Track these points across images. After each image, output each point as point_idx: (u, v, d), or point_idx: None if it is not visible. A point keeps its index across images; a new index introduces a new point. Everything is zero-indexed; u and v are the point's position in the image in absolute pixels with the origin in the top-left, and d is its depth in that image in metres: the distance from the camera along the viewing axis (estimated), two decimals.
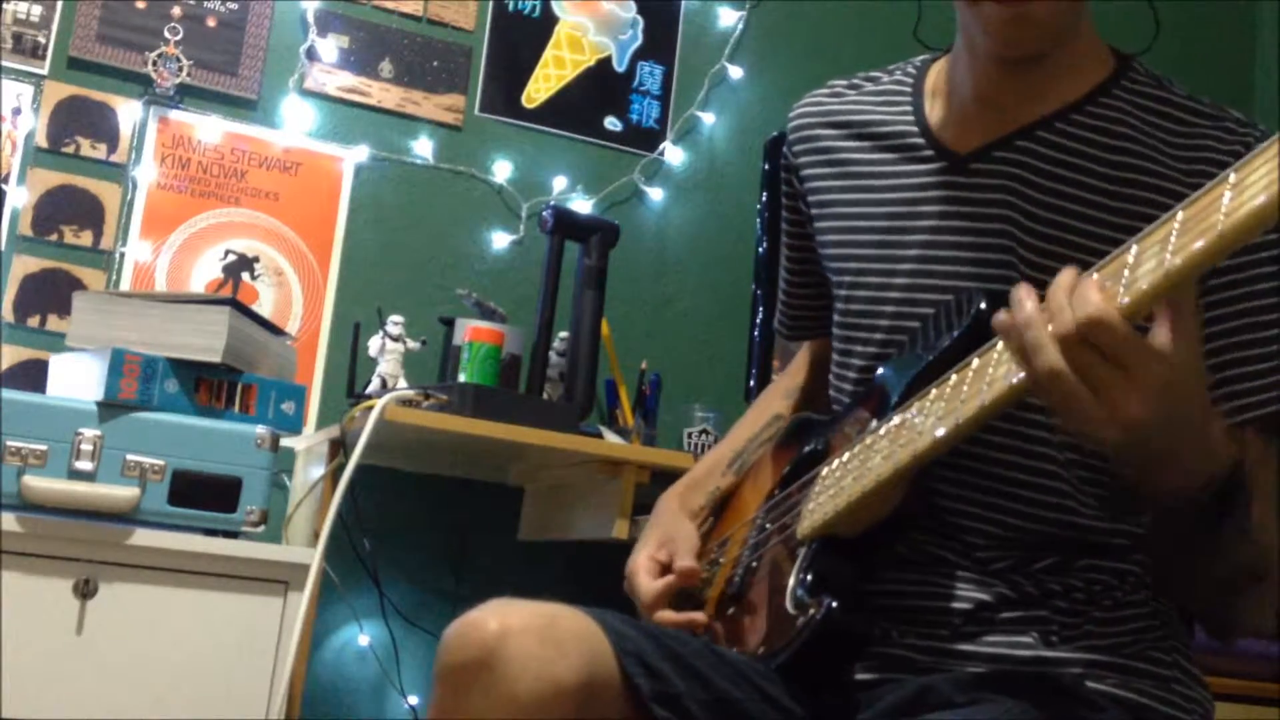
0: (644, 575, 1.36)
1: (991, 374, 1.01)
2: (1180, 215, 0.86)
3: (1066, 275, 0.94)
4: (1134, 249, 0.90)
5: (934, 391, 1.08)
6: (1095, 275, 0.92)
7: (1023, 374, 0.96)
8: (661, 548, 1.39)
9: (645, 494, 2.09)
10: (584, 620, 1.11)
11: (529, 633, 1.07)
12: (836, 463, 1.21)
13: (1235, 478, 1.02)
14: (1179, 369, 0.92)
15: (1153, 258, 0.88)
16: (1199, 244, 0.84)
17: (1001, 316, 0.96)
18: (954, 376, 1.07)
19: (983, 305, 1.14)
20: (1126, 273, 0.90)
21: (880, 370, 1.27)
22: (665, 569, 1.37)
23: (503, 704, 1.05)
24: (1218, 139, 1.19)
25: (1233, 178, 0.83)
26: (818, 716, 1.16)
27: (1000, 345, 1.01)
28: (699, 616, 1.32)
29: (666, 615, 1.33)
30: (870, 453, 1.14)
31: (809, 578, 1.17)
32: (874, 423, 1.19)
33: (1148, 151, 1.20)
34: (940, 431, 1.04)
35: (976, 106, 1.27)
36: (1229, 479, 1.02)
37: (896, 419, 1.13)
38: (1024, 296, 0.95)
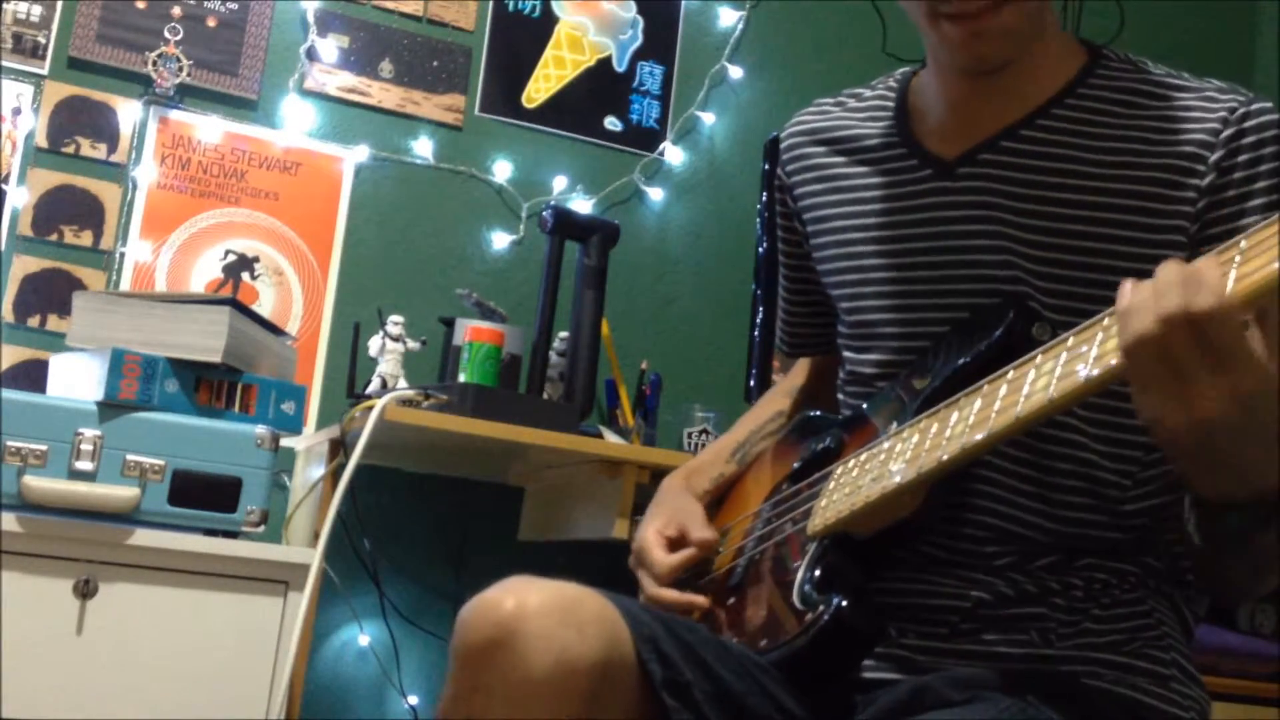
0: (657, 549, 1.36)
1: (1030, 387, 1.01)
2: None
3: (1175, 261, 0.91)
4: (1243, 242, 0.87)
5: (964, 400, 1.09)
6: (1204, 260, 0.90)
7: (1056, 389, 0.96)
8: (669, 524, 1.39)
9: (645, 494, 2.09)
10: (603, 603, 1.11)
11: (550, 614, 1.06)
12: (853, 462, 1.22)
13: None
14: (1265, 381, 0.89)
15: (1267, 252, 0.84)
16: None
17: (1124, 285, 0.93)
18: (986, 386, 1.07)
19: (1011, 315, 1.15)
20: (1237, 260, 0.87)
21: (899, 377, 1.27)
22: (674, 545, 1.37)
23: (519, 683, 1.04)
24: (1202, 109, 1.20)
25: None
26: (815, 715, 1.16)
27: (1039, 359, 1.01)
28: (700, 599, 1.32)
29: (669, 594, 1.33)
30: (893, 455, 1.15)
31: (817, 574, 1.17)
32: (894, 425, 1.19)
33: (1133, 134, 1.21)
34: (973, 439, 1.04)
35: (955, 115, 1.29)
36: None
37: (922, 424, 1.13)
38: (1135, 283, 0.93)
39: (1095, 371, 0.95)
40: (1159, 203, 1.18)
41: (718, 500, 1.48)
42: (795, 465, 1.34)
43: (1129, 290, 0.92)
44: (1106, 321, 0.96)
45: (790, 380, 1.57)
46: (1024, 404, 1.00)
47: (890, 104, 1.37)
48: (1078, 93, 1.25)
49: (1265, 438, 0.93)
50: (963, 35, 1.21)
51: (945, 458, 1.07)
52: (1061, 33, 1.29)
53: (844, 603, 1.12)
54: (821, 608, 1.13)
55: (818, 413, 1.41)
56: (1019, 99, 1.26)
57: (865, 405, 1.31)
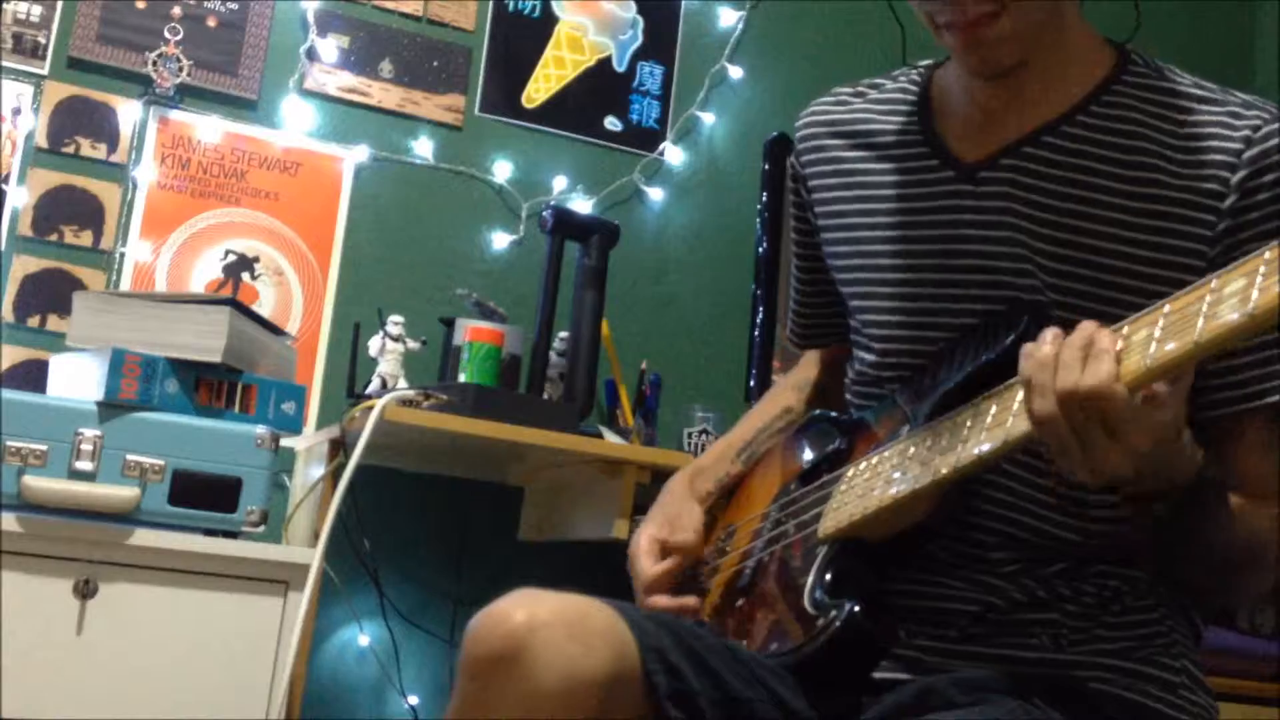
0: (645, 558, 1.36)
1: None
2: (1209, 296, 0.88)
3: (1084, 330, 0.96)
4: (1163, 316, 0.91)
5: (980, 405, 1.08)
6: (1112, 334, 0.95)
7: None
8: (664, 528, 1.39)
9: (645, 494, 2.09)
10: (610, 615, 1.11)
11: (557, 627, 1.06)
12: (864, 465, 1.21)
13: (1201, 481, 1.04)
14: (1167, 430, 0.96)
15: (1173, 337, 0.90)
16: (1215, 332, 0.86)
17: (1026, 348, 0.99)
18: (1004, 392, 1.06)
19: (1026, 320, 1.14)
20: (1141, 339, 0.92)
21: (911, 378, 1.26)
22: (667, 551, 1.37)
23: (528, 697, 1.05)
24: (1227, 124, 1.18)
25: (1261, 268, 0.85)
26: (824, 717, 1.16)
27: None
28: (692, 602, 1.32)
29: (661, 600, 1.33)
30: (905, 460, 1.14)
31: (829, 578, 1.17)
32: (905, 429, 1.18)
33: (1155, 147, 1.19)
34: (987, 447, 1.04)
35: (979, 116, 1.27)
36: (1197, 484, 1.04)
37: (937, 428, 1.12)
38: (1048, 339, 0.98)
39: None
40: (1179, 222, 1.17)
41: (724, 498, 1.47)
42: (804, 466, 1.33)
43: (1033, 360, 0.98)
44: (1126, 330, 0.96)
45: (799, 373, 1.55)
46: None
47: (913, 98, 1.34)
48: (1103, 100, 1.22)
49: (1168, 462, 1.00)
50: (963, 44, 1.20)
51: (960, 463, 1.06)
52: (1089, 33, 1.26)
53: (856, 608, 1.11)
54: (834, 613, 1.12)
55: (827, 412, 1.40)
56: (1044, 102, 1.23)
57: (876, 406, 1.29)
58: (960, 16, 1.17)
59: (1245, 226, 1.15)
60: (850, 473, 1.23)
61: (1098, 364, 0.93)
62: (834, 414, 1.38)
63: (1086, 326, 0.97)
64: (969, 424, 1.08)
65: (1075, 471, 0.98)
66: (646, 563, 1.36)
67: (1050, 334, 0.98)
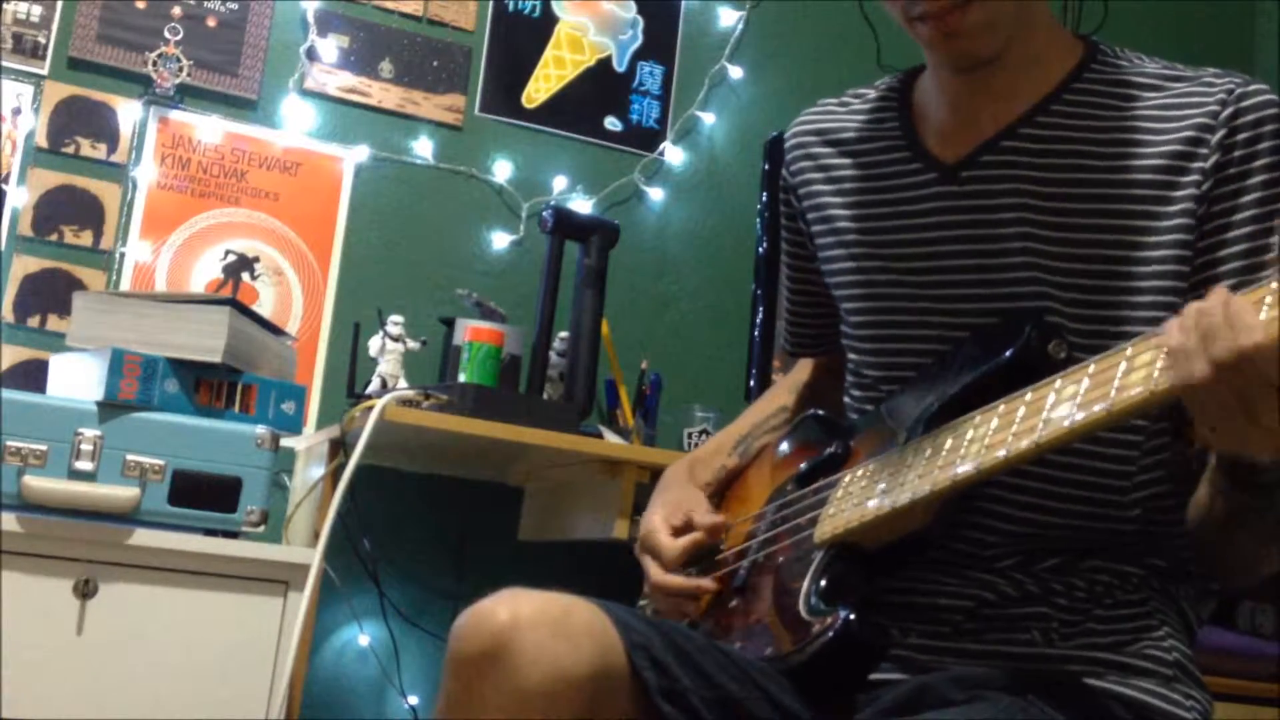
0: (664, 534, 1.35)
1: (1049, 413, 1.00)
2: None
3: (1219, 294, 0.94)
4: (1274, 283, 0.90)
5: (981, 417, 1.08)
6: (1246, 295, 0.93)
7: (1078, 416, 0.97)
8: (675, 512, 1.38)
9: (645, 494, 2.09)
10: (595, 613, 1.11)
11: (541, 625, 1.07)
12: (861, 471, 1.21)
13: None
14: None
15: None
16: None
17: (1171, 322, 0.96)
18: (1003, 406, 1.06)
19: (1028, 331, 1.14)
20: (1268, 300, 0.90)
21: (908, 385, 1.26)
22: (680, 533, 1.36)
23: (513, 695, 1.05)
24: (1200, 93, 1.20)
25: None
26: (818, 716, 1.16)
27: (1059, 384, 1.01)
28: (707, 583, 1.32)
29: (675, 579, 1.32)
30: (903, 469, 1.14)
31: (824, 584, 1.17)
32: (903, 435, 1.18)
33: (1131, 123, 1.21)
34: (989, 460, 1.04)
35: (953, 116, 1.29)
36: None
37: (935, 440, 1.12)
38: (1191, 310, 0.95)
39: (1116, 407, 0.96)
40: (1165, 189, 1.18)
41: (719, 494, 1.47)
42: (801, 467, 1.33)
43: (1176, 332, 0.94)
44: (1129, 351, 0.96)
45: (795, 376, 1.56)
46: (1043, 430, 1.00)
47: (894, 105, 1.36)
48: (1074, 87, 1.24)
49: None
50: (935, 35, 1.21)
51: (960, 475, 1.06)
52: (1056, 27, 1.28)
53: (851, 616, 1.11)
54: (829, 620, 1.12)
55: (823, 413, 1.40)
56: (1016, 97, 1.25)
57: (874, 411, 1.29)
58: (932, 6, 1.19)
59: (1225, 181, 1.17)
60: (847, 478, 1.22)
61: (1246, 322, 0.91)
62: (829, 415, 1.38)
63: (1221, 292, 0.95)
64: (970, 435, 1.08)
65: (1252, 445, 0.95)
66: (665, 539, 1.35)
67: (1193, 306, 0.95)
